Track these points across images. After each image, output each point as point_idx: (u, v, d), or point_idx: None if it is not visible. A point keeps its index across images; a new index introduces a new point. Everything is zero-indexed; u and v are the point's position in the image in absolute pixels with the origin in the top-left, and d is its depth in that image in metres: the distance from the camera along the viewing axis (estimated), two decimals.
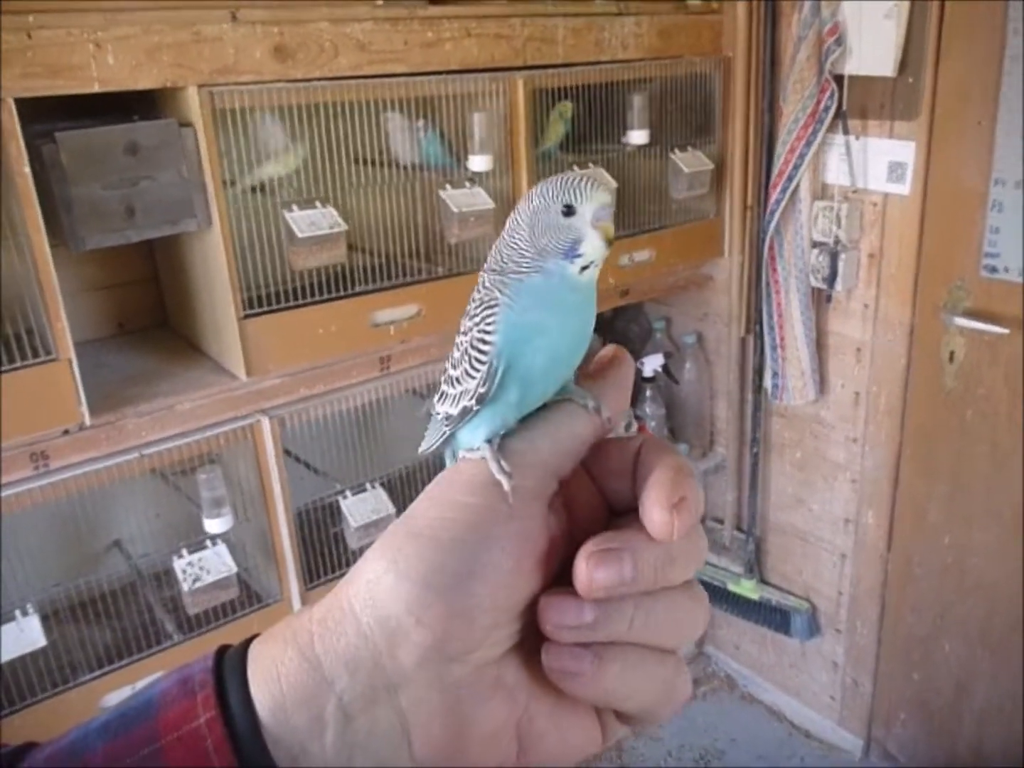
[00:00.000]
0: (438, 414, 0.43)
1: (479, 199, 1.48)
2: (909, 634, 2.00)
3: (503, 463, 0.36)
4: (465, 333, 0.40)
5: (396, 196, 1.48)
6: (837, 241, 1.80)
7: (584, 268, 0.39)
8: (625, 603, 0.34)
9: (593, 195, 0.38)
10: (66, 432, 1.20)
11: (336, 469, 1.59)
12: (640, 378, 2.07)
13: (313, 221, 1.31)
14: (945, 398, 1.79)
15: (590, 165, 1.67)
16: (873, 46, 1.66)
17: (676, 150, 1.80)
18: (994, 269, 1.62)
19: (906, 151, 1.70)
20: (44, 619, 1.26)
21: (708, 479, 2.23)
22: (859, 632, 2.10)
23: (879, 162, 1.75)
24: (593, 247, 0.38)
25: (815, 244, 1.84)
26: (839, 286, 1.82)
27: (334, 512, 1.57)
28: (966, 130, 1.61)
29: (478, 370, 0.39)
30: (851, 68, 1.70)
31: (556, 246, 0.38)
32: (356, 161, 1.44)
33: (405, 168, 1.50)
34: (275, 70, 1.25)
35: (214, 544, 1.40)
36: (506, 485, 0.35)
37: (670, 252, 1.86)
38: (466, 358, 0.39)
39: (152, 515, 1.57)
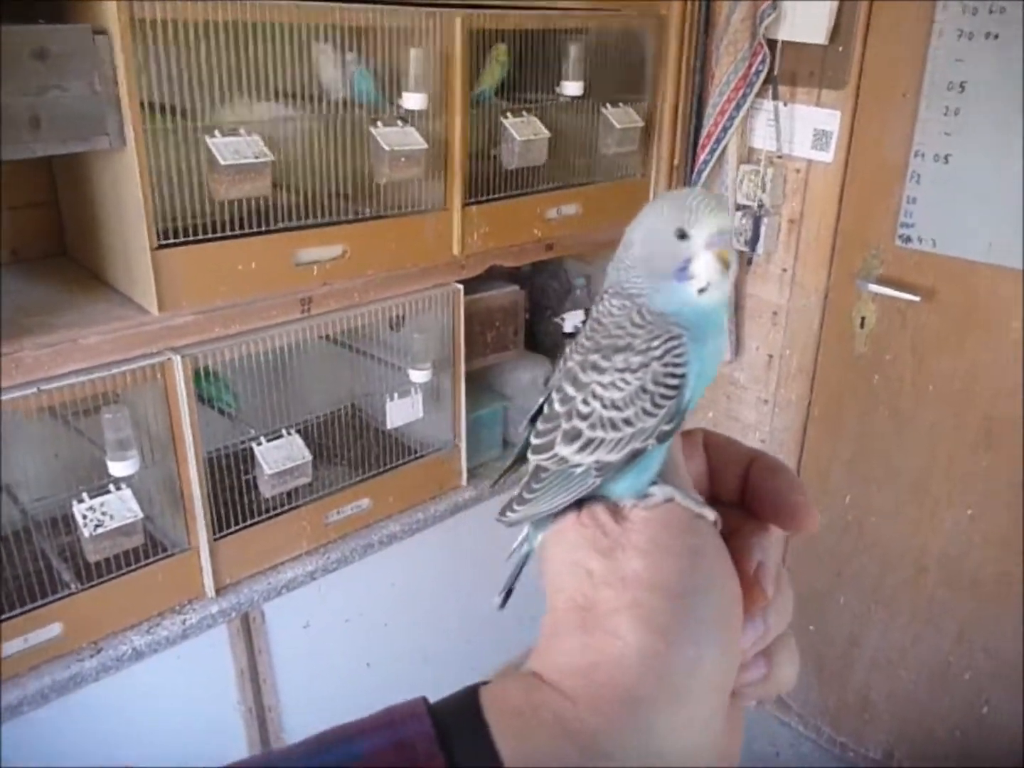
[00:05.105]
0: (578, 466, 0.38)
1: (411, 139, 1.43)
2: (808, 587, 2.08)
3: (695, 495, 0.36)
4: (631, 370, 0.37)
5: (323, 131, 1.41)
6: (761, 205, 1.83)
7: (701, 291, 0.38)
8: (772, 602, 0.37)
9: (708, 220, 0.37)
10: None
11: (250, 414, 1.52)
12: (560, 334, 2.06)
13: (237, 149, 1.23)
14: (854, 363, 1.85)
15: (523, 113, 1.63)
16: (807, 12, 1.67)
17: (608, 105, 1.78)
18: (908, 239, 1.68)
19: (832, 120, 1.73)
20: None
21: None
22: None
23: (805, 129, 1.77)
24: (706, 267, 0.37)
25: (739, 207, 1.86)
26: (760, 250, 1.85)
27: (247, 458, 1.50)
28: (891, 102, 1.65)
29: (662, 406, 0.37)
30: (784, 34, 1.71)
31: (667, 268, 0.38)
32: (283, 94, 1.36)
33: (334, 103, 1.43)
34: None
35: (118, 488, 1.32)
36: (711, 516, 0.35)
37: (596, 208, 1.85)
38: (644, 396, 0.37)
39: (49, 456, 1.48)
